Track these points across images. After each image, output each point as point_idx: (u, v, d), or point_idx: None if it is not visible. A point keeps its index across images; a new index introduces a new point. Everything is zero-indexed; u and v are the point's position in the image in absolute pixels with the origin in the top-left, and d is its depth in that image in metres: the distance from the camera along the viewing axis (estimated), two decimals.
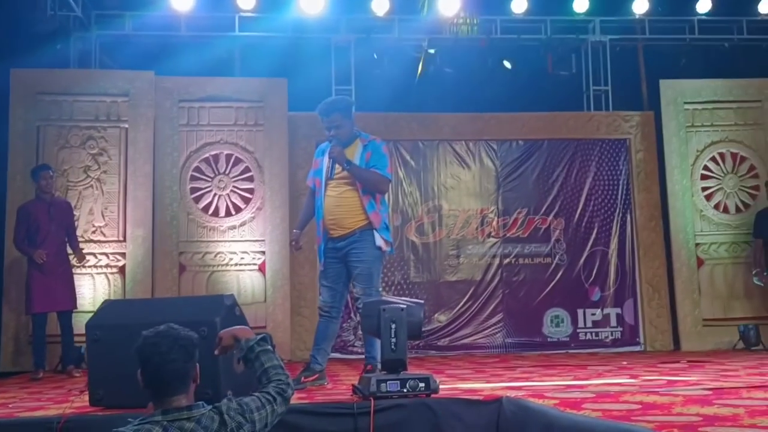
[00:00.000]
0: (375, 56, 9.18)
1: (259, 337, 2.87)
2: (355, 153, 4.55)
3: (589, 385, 4.07)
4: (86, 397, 3.58)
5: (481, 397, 3.52)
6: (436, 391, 3.53)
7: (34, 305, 6.70)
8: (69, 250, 7.04)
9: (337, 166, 4.53)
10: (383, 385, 3.46)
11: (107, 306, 3.68)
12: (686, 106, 8.94)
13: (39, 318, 6.73)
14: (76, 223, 7.48)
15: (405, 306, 3.58)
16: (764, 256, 8.12)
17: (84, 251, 7.48)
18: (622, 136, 9.10)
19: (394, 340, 3.51)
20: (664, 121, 8.88)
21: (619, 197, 9.02)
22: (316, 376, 4.46)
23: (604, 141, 9.12)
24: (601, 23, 9.39)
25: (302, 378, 4.38)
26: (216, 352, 2.89)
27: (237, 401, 2.56)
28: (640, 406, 2.99)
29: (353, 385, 3.75)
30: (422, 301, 3.77)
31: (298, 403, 3.71)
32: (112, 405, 3.46)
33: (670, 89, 8.96)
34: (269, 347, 2.85)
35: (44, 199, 6.81)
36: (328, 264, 4.59)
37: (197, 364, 2.50)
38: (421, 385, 3.49)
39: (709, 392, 3.42)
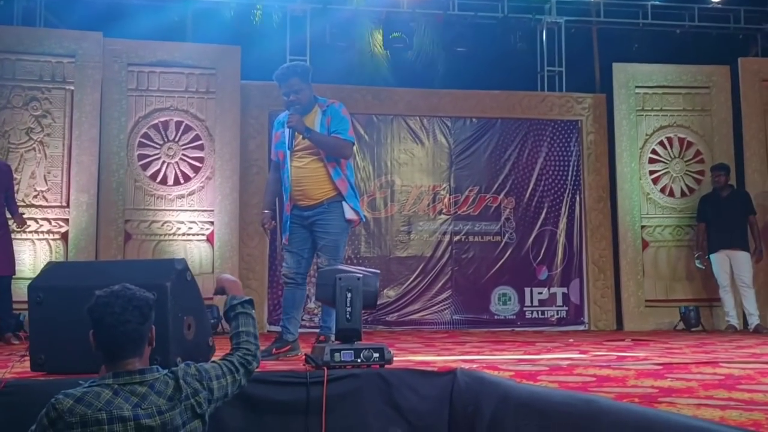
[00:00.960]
0: (329, 33, 9.03)
1: (245, 299, 2.84)
2: (314, 120, 4.45)
3: (541, 359, 4.10)
4: (27, 363, 3.44)
5: (435, 369, 3.51)
6: (390, 361, 3.50)
7: None
8: (8, 215, 6.79)
9: (297, 135, 4.42)
10: (337, 354, 3.42)
11: (51, 268, 3.54)
12: (637, 90, 9.06)
13: None
14: (16, 186, 7.22)
15: (361, 275, 3.53)
16: (706, 240, 8.31)
17: (25, 216, 7.24)
18: (574, 117, 9.18)
19: (349, 309, 3.46)
20: (615, 103, 8.99)
21: (569, 178, 9.12)
22: (289, 347, 4.35)
23: (556, 122, 9.18)
24: (557, 4, 9.44)
25: (273, 349, 4.27)
26: (213, 293, 3.06)
27: (196, 367, 2.48)
28: (594, 379, 3.01)
29: (306, 355, 3.70)
30: (378, 271, 3.73)
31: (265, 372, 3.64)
32: (54, 370, 3.33)
33: (623, 73, 9.06)
34: (251, 312, 2.81)
35: None
36: (293, 230, 4.49)
37: (152, 327, 2.40)
38: (376, 355, 3.46)
39: (660, 367, 3.47)
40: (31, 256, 7.81)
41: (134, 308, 2.33)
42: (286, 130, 4.46)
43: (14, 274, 6.86)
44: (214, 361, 2.61)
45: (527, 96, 9.24)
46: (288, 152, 4.47)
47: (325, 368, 3.35)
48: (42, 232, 7.80)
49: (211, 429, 2.62)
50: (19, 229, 6.91)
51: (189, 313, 3.35)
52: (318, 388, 3.30)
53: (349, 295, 3.46)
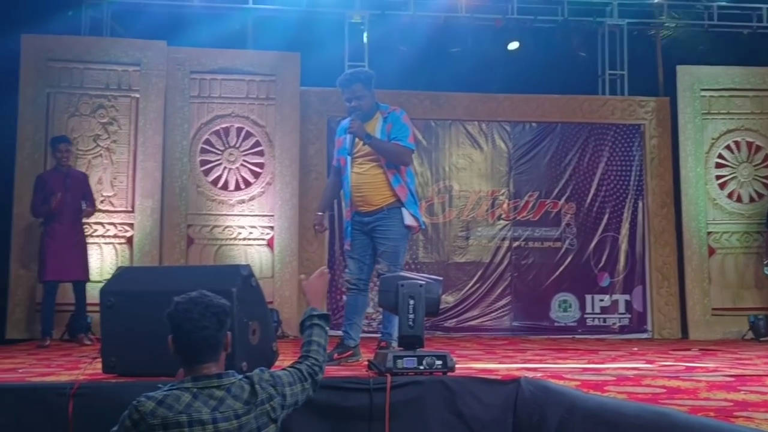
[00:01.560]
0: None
1: (322, 313, 2.90)
2: (375, 126, 4.46)
3: (606, 369, 4.02)
4: (99, 365, 3.53)
5: (498, 377, 3.47)
6: (452, 369, 3.48)
7: (46, 273, 6.69)
8: (84, 221, 7.00)
9: (357, 141, 4.43)
10: (400, 361, 3.41)
11: (122, 273, 3.62)
12: (703, 93, 8.84)
13: (49, 286, 6.71)
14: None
15: (424, 282, 3.52)
16: None
17: (92, 221, 7.53)
18: (636, 121, 9.01)
19: (411, 316, 3.46)
20: (680, 107, 8.79)
21: (631, 183, 8.94)
22: (350, 352, 4.36)
23: (618, 126, 9.02)
24: (619, 6, 9.27)
25: (335, 354, 4.28)
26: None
27: (269, 373, 2.53)
28: (664, 390, 2.94)
29: (369, 361, 3.70)
30: (441, 278, 3.71)
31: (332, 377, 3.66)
32: (125, 372, 3.41)
33: (687, 75, 8.85)
34: (325, 326, 2.85)
35: (60, 170, 6.83)
36: (354, 236, 4.51)
37: (228, 333, 2.45)
38: (438, 362, 3.44)
39: (732, 379, 3.37)
40: (98, 260, 8.00)
41: (212, 315, 2.38)
42: (348, 136, 4.48)
43: (88, 279, 7.06)
44: (285, 369, 2.63)
45: (588, 100, 9.10)
46: (349, 158, 4.49)
47: (388, 375, 3.35)
48: (108, 236, 8.00)
49: None
50: (83, 216, 6.95)
51: (254, 319, 3.39)
52: (381, 394, 3.30)
53: (411, 302, 3.45)
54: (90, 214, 6.94)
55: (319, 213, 4.68)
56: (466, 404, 3.37)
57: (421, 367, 3.42)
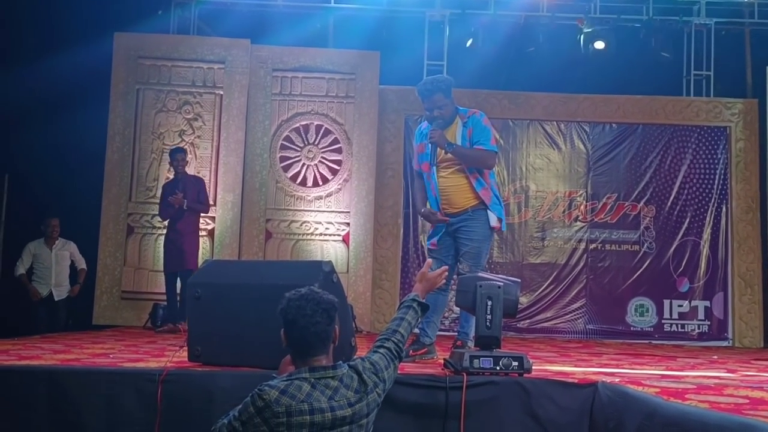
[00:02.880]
0: (468, 43, 9.00)
1: (423, 302, 3.00)
2: (456, 131, 4.47)
3: (686, 376, 3.95)
4: (185, 354, 3.67)
5: (575, 380, 3.47)
6: (529, 371, 3.49)
7: (166, 265, 7.14)
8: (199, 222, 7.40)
9: (439, 149, 4.46)
10: (476, 361, 3.44)
11: (209, 265, 3.76)
12: None
13: (168, 277, 7.09)
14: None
15: (502, 283, 3.54)
16: None
17: None
18: (722, 123, 8.77)
19: (489, 317, 3.48)
20: None
21: (715, 187, 8.71)
22: (425, 349, 4.39)
23: (702, 128, 8.80)
24: (706, 5, 9.03)
25: (411, 351, 4.33)
26: None
27: (369, 360, 2.64)
28: (747, 401, 2.89)
29: (444, 360, 3.74)
30: (519, 281, 3.72)
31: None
32: (209, 361, 3.54)
33: None
34: (420, 313, 2.97)
35: (177, 177, 7.24)
36: (441, 237, 4.54)
37: (336, 326, 2.57)
38: (515, 363, 3.46)
39: None
40: None
41: (323, 311, 2.52)
42: (429, 145, 4.50)
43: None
44: (376, 351, 2.73)
45: (672, 101, 8.90)
46: (432, 164, 4.52)
47: (465, 374, 3.39)
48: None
49: None
50: (174, 202, 7.15)
51: None
52: (457, 393, 3.33)
53: (489, 303, 3.47)
54: (179, 202, 7.12)
55: (425, 208, 4.62)
56: (541, 406, 3.37)
57: (498, 368, 3.44)
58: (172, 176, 7.47)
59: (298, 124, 8.52)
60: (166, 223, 7.29)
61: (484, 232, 4.43)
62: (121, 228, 8.26)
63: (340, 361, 2.55)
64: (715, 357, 6.07)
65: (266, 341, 3.39)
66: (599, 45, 8.96)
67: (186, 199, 7.02)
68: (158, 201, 7.77)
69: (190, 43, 8.49)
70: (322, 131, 8.53)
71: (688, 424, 2.45)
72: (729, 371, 4.47)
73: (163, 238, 7.44)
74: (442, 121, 4.43)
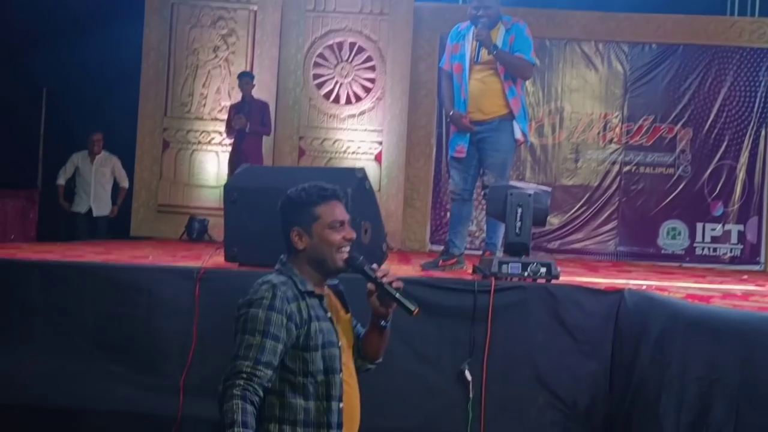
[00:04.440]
0: None
1: None
2: (497, 37, 4.43)
3: (713, 288, 4.00)
4: (221, 256, 3.80)
5: (602, 288, 3.53)
6: (557, 277, 3.56)
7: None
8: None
9: (483, 50, 4.43)
10: (505, 266, 3.51)
11: (244, 170, 3.85)
12: None
13: None
14: (204, 101, 7.89)
15: (532, 192, 3.58)
16: None
17: (211, 129, 8.00)
18: (766, 45, 8.52)
19: (519, 224, 3.53)
20: None
21: (755, 110, 8.53)
22: (455, 260, 4.44)
23: (745, 49, 8.57)
24: None
25: (440, 261, 4.41)
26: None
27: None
28: None
29: (474, 265, 3.82)
30: (549, 189, 3.76)
31: (420, 276, 3.83)
32: (245, 262, 3.66)
33: None
34: None
35: (245, 100, 7.36)
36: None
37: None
38: (543, 269, 3.52)
39: None
40: (215, 165, 8.41)
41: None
42: (468, 44, 4.47)
43: None
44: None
45: (714, 21, 8.65)
46: (467, 65, 4.49)
47: (493, 278, 3.46)
48: (224, 144, 8.29)
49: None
50: (237, 125, 7.28)
51: (367, 219, 3.55)
52: (485, 297, 3.42)
53: (519, 210, 3.52)
54: (243, 123, 7.21)
55: (454, 111, 4.56)
56: (568, 312, 3.45)
57: (526, 273, 3.51)
58: (239, 98, 7.53)
59: (332, 41, 8.47)
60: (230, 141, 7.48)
61: (509, 143, 4.45)
62: (157, 142, 8.38)
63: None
64: (745, 277, 6.08)
65: None
66: None
67: (250, 122, 7.12)
68: (194, 117, 7.88)
69: None
70: (355, 49, 8.47)
71: (711, 322, 2.51)
72: (758, 285, 4.50)
73: (203, 152, 7.93)
74: (487, 20, 4.38)
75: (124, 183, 8.08)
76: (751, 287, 4.25)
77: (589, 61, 8.71)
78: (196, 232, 7.90)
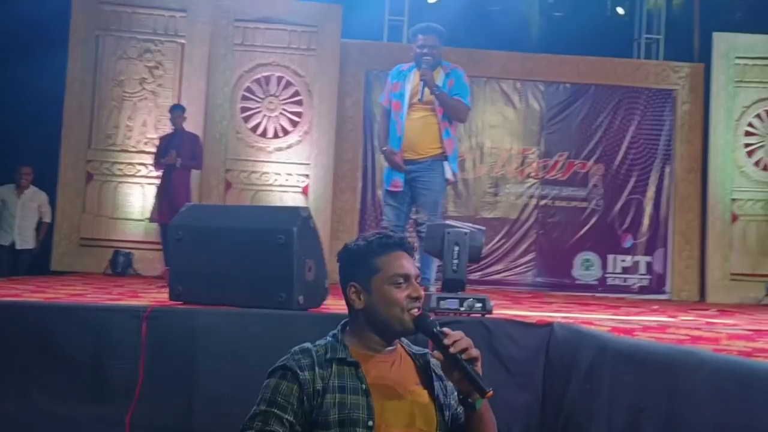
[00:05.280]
0: None
1: None
2: (438, 79, 4.64)
3: (632, 319, 4.28)
4: (164, 293, 3.84)
5: (533, 321, 3.75)
6: (490, 311, 3.76)
7: (154, 216, 7.35)
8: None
9: (417, 91, 4.64)
10: (443, 302, 3.69)
11: (189, 209, 3.90)
12: (737, 61, 8.93)
13: (160, 227, 7.30)
14: (129, 134, 7.91)
15: (468, 231, 3.78)
16: None
17: (135, 162, 7.96)
18: (669, 86, 9.13)
19: (456, 261, 3.72)
20: (714, 74, 8.89)
21: (660, 147, 9.11)
22: None
23: (651, 90, 9.16)
24: None
25: None
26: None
27: None
28: (688, 338, 3.20)
29: None
30: (483, 228, 3.98)
31: None
32: (190, 300, 3.71)
33: (723, 42, 8.93)
34: None
35: (176, 132, 7.35)
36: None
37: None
38: (478, 305, 3.72)
39: (750, 332, 3.63)
40: (140, 199, 8.34)
41: None
42: (409, 84, 4.68)
43: None
44: None
45: (623, 63, 9.22)
46: (405, 104, 4.69)
47: (432, 314, 3.63)
48: (150, 176, 8.27)
49: None
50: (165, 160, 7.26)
51: (311, 257, 3.67)
52: None
53: (456, 248, 3.71)
54: (173, 160, 7.19)
55: (387, 147, 4.76)
56: (502, 344, 3.64)
57: (462, 308, 3.69)
58: (170, 130, 7.51)
59: (259, 75, 8.59)
60: (159, 173, 7.43)
61: (440, 182, 4.69)
62: (81, 175, 8.27)
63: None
64: (656, 307, 6.47)
65: (244, 281, 3.60)
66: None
67: (180, 157, 7.11)
68: (119, 149, 7.85)
69: None
70: (283, 83, 8.61)
71: (637, 354, 2.74)
72: (670, 316, 4.83)
73: (135, 185, 7.94)
74: (431, 60, 4.61)
75: (47, 218, 7.95)
76: (664, 318, 4.57)
77: (508, 98, 9.11)
78: (120, 266, 7.82)
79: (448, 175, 4.72)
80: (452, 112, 4.66)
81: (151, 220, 7.48)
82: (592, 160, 9.10)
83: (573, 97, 9.11)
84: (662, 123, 9.14)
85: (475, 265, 8.83)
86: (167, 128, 8.32)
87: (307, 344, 1.94)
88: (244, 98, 8.56)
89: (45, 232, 7.96)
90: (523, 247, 9.04)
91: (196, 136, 7.61)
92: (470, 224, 4.00)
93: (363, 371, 1.88)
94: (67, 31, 8.17)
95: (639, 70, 9.18)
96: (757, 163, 8.88)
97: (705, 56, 9.14)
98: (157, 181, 7.93)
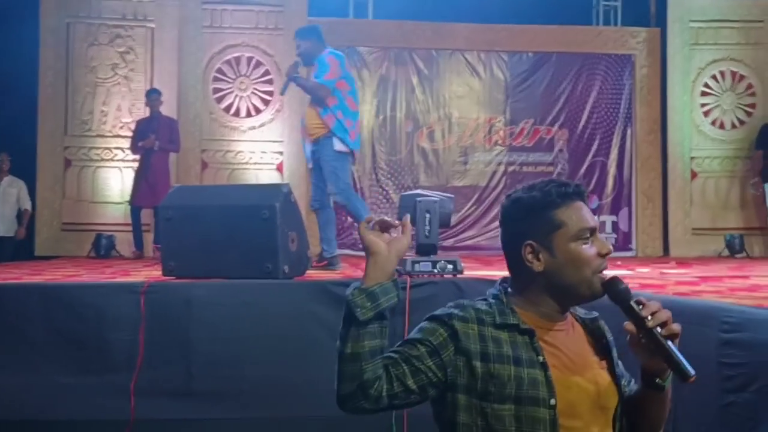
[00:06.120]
0: None
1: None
2: (314, 70, 5.27)
3: None
4: (157, 270, 4.10)
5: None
6: (461, 272, 4.08)
7: (134, 199, 7.50)
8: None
9: (291, 83, 5.21)
10: (417, 265, 4.00)
11: (177, 190, 4.16)
12: (692, 24, 9.26)
13: (134, 210, 7.52)
14: (104, 119, 8.07)
15: (438, 199, 4.08)
16: (764, 169, 8.57)
17: (113, 146, 8.15)
18: (628, 51, 9.45)
19: (427, 227, 4.03)
20: (669, 38, 9.22)
21: (621, 111, 9.44)
22: (325, 262, 5.11)
23: (610, 56, 9.47)
24: None
25: (314, 263, 4.98)
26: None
27: None
28: (638, 286, 3.54)
29: None
30: (452, 196, 4.28)
31: (340, 278, 4.26)
32: (182, 275, 3.98)
33: (678, 7, 9.25)
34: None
35: (153, 116, 7.56)
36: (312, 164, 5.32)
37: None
38: (450, 266, 4.03)
39: (698, 279, 3.98)
40: (119, 182, 8.53)
41: None
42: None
43: None
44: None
45: (583, 30, 9.52)
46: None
47: (408, 277, 3.94)
48: (127, 160, 8.45)
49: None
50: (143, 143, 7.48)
51: (293, 229, 3.96)
52: (402, 293, 3.87)
53: (428, 215, 4.02)
54: (150, 143, 7.40)
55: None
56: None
57: (436, 270, 4.01)
58: (147, 114, 7.72)
59: (229, 56, 8.76)
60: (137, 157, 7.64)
61: (333, 155, 5.12)
62: (59, 161, 8.43)
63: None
64: (619, 263, 6.85)
65: (233, 255, 3.87)
66: None
67: (159, 140, 7.32)
68: (95, 134, 8.02)
69: None
70: (253, 63, 8.80)
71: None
72: (629, 269, 5.19)
73: (110, 169, 8.06)
74: (300, 59, 5.26)
75: (27, 206, 8.10)
76: (622, 272, 4.92)
77: (473, 69, 9.38)
78: (104, 249, 8.02)
79: (338, 147, 5.15)
80: (309, 93, 5.25)
81: (131, 203, 7.68)
82: (556, 126, 9.42)
83: (536, 65, 9.40)
84: (622, 87, 9.47)
85: (449, 232, 9.20)
86: (142, 112, 8.52)
87: (464, 301, 1.72)
88: (216, 79, 8.75)
89: (28, 218, 8.11)
90: (494, 212, 9.34)
91: (174, 120, 7.81)
92: (440, 193, 4.30)
93: (538, 341, 1.61)
94: (37, 20, 8.27)
95: (598, 37, 9.49)
96: (713, 122, 9.26)
97: (661, 21, 9.47)
98: (135, 165, 8.16)
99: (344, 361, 1.57)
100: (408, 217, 1.70)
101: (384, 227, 1.65)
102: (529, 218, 1.66)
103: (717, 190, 9.23)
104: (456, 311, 1.66)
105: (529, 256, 1.65)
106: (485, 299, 1.71)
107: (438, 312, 1.68)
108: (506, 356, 1.59)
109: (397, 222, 1.66)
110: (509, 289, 1.71)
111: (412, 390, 1.58)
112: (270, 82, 8.80)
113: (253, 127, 8.82)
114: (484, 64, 9.37)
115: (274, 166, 8.84)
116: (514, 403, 1.56)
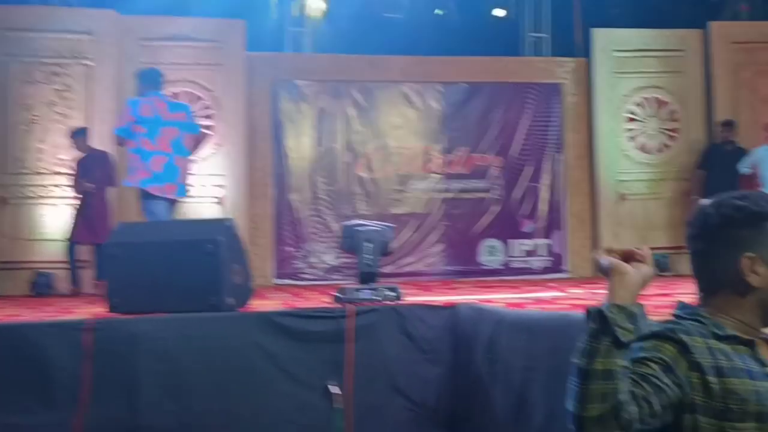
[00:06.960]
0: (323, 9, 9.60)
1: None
2: None
3: (528, 297, 4.84)
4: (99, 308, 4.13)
5: (440, 304, 4.24)
6: (401, 298, 4.23)
7: (72, 236, 7.63)
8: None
9: None
10: (358, 293, 4.14)
11: (122, 227, 4.22)
12: (615, 54, 9.69)
13: (71, 246, 7.64)
14: (40, 156, 8.07)
15: (379, 228, 4.24)
16: (704, 188, 8.80)
17: (49, 184, 8.14)
18: (556, 80, 9.82)
19: (369, 256, 4.18)
20: (595, 67, 9.64)
21: (551, 137, 9.78)
22: None
23: (540, 85, 9.82)
24: None
25: None
26: None
27: None
28: (570, 306, 3.75)
29: (335, 294, 4.41)
30: (393, 225, 4.44)
31: (291, 309, 4.37)
32: (127, 311, 4.03)
33: (602, 37, 9.69)
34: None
35: (88, 155, 7.78)
36: None
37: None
38: (391, 293, 4.19)
39: None
40: (54, 218, 8.42)
41: None
42: None
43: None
44: None
45: (513, 61, 9.88)
46: None
47: (352, 304, 4.08)
48: (66, 197, 8.34)
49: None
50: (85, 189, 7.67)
51: (236, 262, 4.06)
52: (344, 321, 4.02)
53: (369, 245, 4.17)
54: (81, 188, 7.61)
55: None
56: (413, 326, 4.13)
57: (376, 297, 4.16)
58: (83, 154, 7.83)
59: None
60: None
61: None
62: None
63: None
64: (552, 285, 7.11)
65: (178, 289, 3.95)
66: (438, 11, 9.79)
67: (93, 180, 7.49)
68: (32, 172, 7.96)
69: (54, 14, 8.50)
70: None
71: (527, 322, 3.26)
72: (560, 291, 5.43)
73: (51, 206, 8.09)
74: None
75: None
76: (556, 293, 5.16)
77: (409, 100, 9.62)
78: (42, 287, 7.92)
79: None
80: None
81: (70, 239, 7.64)
82: (491, 153, 9.70)
83: (469, 95, 9.69)
84: (552, 114, 9.83)
85: (389, 259, 9.35)
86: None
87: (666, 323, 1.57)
88: None
89: None
90: (432, 238, 9.56)
91: (106, 154, 7.81)
92: (380, 222, 4.46)
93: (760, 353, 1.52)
94: None
95: (528, 67, 9.86)
96: (640, 147, 9.68)
97: (587, 51, 9.89)
98: (72, 201, 8.10)
99: (592, 378, 1.38)
100: (647, 248, 1.61)
101: (627, 257, 1.57)
102: (752, 228, 1.55)
103: (645, 212, 9.63)
104: (672, 326, 1.53)
105: (746, 270, 1.54)
106: (676, 321, 1.58)
107: (654, 329, 1.52)
108: (740, 369, 1.48)
109: (638, 250, 1.59)
110: (707, 305, 1.60)
111: (656, 413, 1.42)
112: (210, 116, 8.86)
113: (195, 162, 8.83)
114: (419, 95, 9.62)
115: (217, 200, 8.87)
116: (755, 420, 1.44)
